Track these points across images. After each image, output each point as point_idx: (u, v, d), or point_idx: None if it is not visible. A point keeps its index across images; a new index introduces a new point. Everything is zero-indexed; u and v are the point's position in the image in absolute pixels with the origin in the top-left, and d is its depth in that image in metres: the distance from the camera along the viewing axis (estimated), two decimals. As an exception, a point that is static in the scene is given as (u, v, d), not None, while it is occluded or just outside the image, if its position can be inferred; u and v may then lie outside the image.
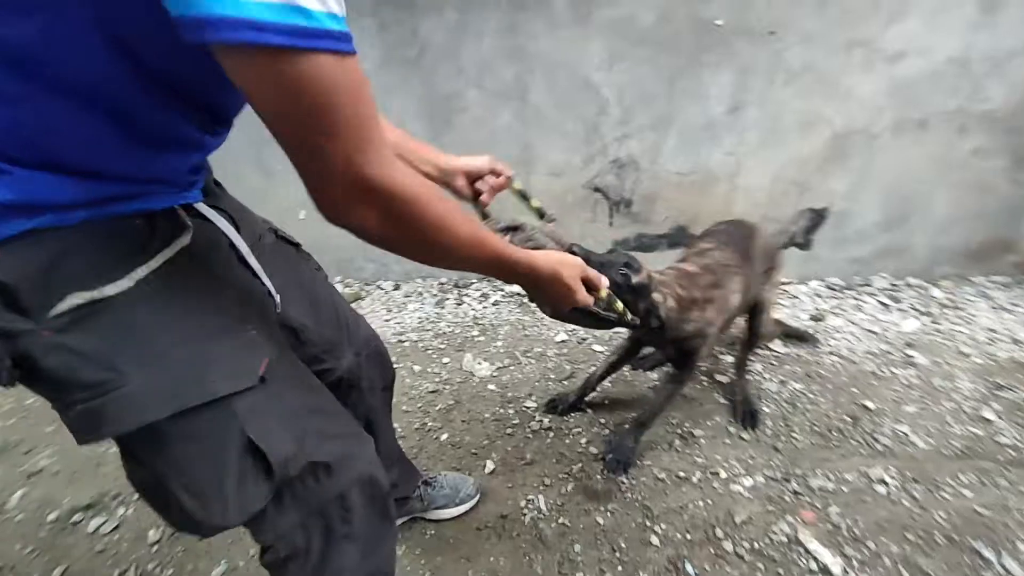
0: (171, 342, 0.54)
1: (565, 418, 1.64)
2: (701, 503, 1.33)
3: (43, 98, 0.46)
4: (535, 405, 1.70)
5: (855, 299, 2.16)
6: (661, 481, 1.41)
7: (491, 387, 1.80)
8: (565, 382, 1.81)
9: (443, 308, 2.31)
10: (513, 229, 0.96)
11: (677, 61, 1.89)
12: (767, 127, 1.97)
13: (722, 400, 1.69)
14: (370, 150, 0.48)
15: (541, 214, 1.15)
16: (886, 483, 1.35)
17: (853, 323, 2.03)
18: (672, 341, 1.32)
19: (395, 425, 1.59)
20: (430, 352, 1.99)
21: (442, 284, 2.50)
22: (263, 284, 0.71)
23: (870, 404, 1.62)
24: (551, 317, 1.05)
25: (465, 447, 1.55)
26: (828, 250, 2.18)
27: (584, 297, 0.83)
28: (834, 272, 2.26)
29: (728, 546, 1.22)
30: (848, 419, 1.59)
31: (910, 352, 1.84)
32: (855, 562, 1.17)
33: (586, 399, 1.65)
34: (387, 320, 2.18)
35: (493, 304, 2.32)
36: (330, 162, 0.47)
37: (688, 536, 1.25)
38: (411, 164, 0.96)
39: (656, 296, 1.18)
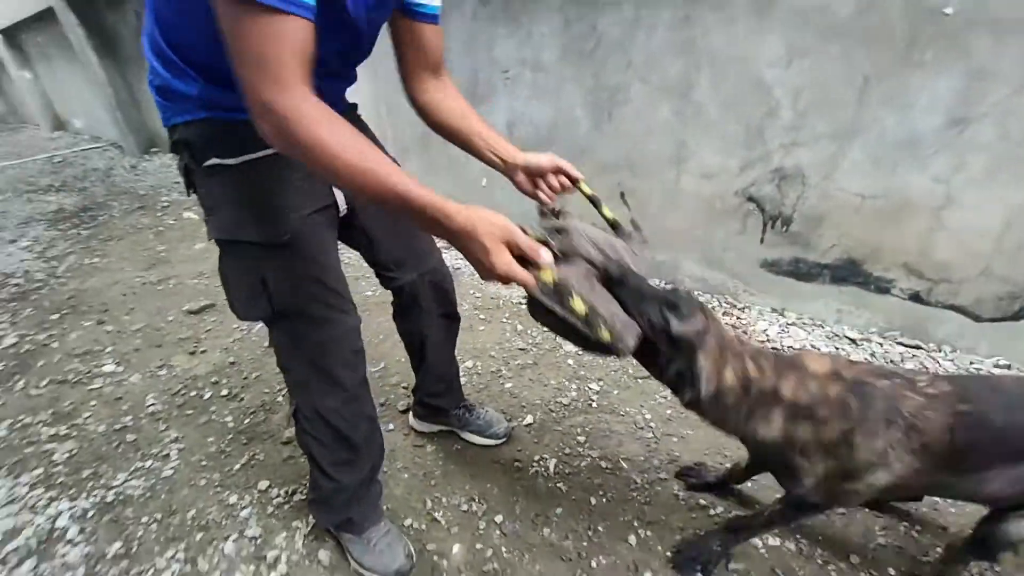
0: (243, 200, 0.89)
1: (617, 411, 1.68)
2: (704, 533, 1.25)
3: (213, 48, 0.72)
4: (598, 388, 1.78)
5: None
6: (676, 497, 1.36)
7: (570, 361, 1.93)
8: (640, 380, 1.81)
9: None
10: (557, 231, 0.91)
11: (879, 59, 1.55)
12: (1005, 151, 1.46)
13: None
14: (269, 83, 0.65)
15: (614, 226, 1.03)
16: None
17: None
18: (749, 445, 1.03)
19: (476, 363, 1.91)
20: (537, 317, 2.22)
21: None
22: (333, 193, 1.03)
23: None
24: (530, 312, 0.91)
25: (520, 399, 1.76)
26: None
27: (507, 265, 0.74)
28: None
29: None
30: None
31: None
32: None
33: (731, 487, 1.35)
34: (519, 282, 2.47)
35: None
36: (243, 84, 0.67)
37: (668, 554, 1.22)
38: (476, 148, 1.10)
39: (703, 360, 0.88)
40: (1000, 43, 1.38)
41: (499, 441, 1.57)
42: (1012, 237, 1.54)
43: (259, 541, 1.33)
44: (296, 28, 0.66)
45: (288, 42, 0.65)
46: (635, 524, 1.30)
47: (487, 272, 0.77)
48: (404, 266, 1.25)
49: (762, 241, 2.02)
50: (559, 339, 2.02)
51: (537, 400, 1.75)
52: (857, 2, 1.53)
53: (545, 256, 0.79)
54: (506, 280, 0.77)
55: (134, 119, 6.12)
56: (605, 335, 0.82)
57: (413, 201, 0.72)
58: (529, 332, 2.13)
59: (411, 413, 1.64)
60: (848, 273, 1.87)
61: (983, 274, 1.62)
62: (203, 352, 2.18)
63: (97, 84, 5.97)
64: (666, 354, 0.90)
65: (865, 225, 1.77)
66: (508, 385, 1.84)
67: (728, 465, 1.36)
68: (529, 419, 1.67)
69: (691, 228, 2.17)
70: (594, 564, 1.22)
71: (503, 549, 1.27)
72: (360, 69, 1.05)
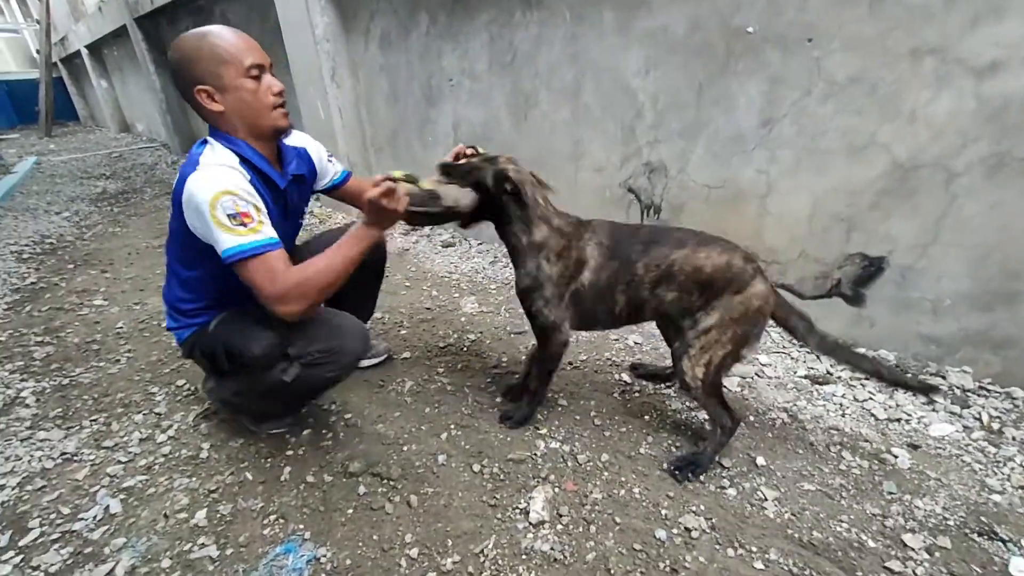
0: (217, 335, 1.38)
1: (483, 354, 1.97)
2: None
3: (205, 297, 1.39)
4: (475, 337, 2.08)
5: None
6: (495, 410, 1.63)
7: (462, 319, 2.25)
8: (514, 335, 2.10)
9: (494, 264, 2.81)
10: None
11: (707, 69, 1.84)
12: (804, 146, 1.71)
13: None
14: (272, 292, 1.17)
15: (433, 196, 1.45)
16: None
17: (858, 400, 1.59)
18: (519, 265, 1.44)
19: (385, 315, 2.25)
20: (452, 288, 2.55)
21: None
22: None
23: (761, 460, 1.39)
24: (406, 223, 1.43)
25: (408, 341, 2.10)
26: (889, 314, 1.71)
27: (388, 196, 1.20)
28: (893, 344, 1.73)
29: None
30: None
31: (898, 451, 1.39)
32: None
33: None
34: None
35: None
36: (260, 299, 1.20)
37: (498, 417, 1.49)
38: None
39: (517, 174, 1.33)
40: (788, 55, 1.65)
41: (377, 360, 1.89)
42: (818, 222, 1.77)
43: (162, 416, 1.70)
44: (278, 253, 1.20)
45: (274, 267, 1.18)
46: (451, 427, 1.59)
47: (391, 215, 1.24)
48: None
49: (641, 228, 2.29)
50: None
51: (420, 343, 2.07)
52: (688, 23, 1.84)
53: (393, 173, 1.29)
54: (390, 195, 1.21)
55: (180, 123, 6.95)
56: (449, 201, 1.38)
57: (359, 245, 1.25)
58: (439, 298, 2.46)
59: None
60: (705, 256, 2.11)
61: (801, 256, 1.84)
62: (174, 296, 2.62)
63: (153, 91, 6.84)
64: (494, 189, 1.33)
65: (713, 212, 2.02)
66: (403, 332, 2.16)
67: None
68: (407, 354, 1.98)
69: (589, 216, 2.46)
70: (405, 448, 1.51)
71: (341, 435, 1.58)
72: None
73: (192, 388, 1.83)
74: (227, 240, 1.15)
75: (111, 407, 1.75)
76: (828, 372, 1.73)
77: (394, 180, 1.35)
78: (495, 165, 1.35)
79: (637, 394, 1.70)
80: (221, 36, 1.20)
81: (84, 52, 9.73)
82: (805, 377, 1.71)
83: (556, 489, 1.34)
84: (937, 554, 1.13)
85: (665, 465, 1.38)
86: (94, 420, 1.68)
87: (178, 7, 5.55)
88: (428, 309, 2.35)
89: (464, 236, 3.21)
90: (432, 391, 1.77)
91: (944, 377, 1.62)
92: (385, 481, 1.39)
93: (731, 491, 1.31)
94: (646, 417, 1.59)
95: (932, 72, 1.43)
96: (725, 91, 1.83)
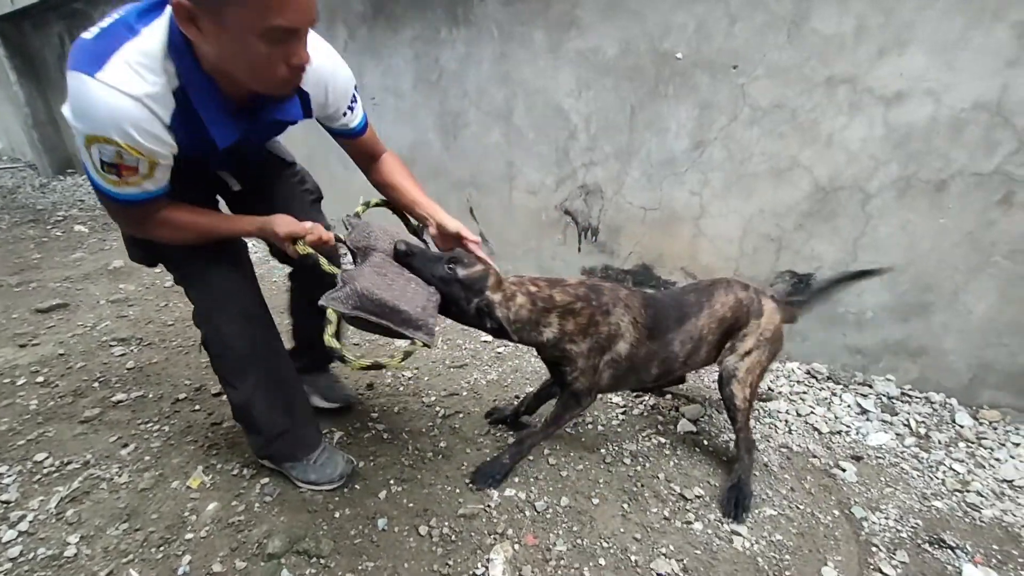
0: None
1: (420, 393, 1.79)
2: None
3: None
4: (411, 375, 1.89)
5: (832, 394, 1.70)
6: (438, 457, 1.46)
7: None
8: (453, 368, 1.94)
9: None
10: (352, 224, 1.22)
11: (638, 92, 1.87)
12: (733, 169, 1.77)
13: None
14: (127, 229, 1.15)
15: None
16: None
17: (801, 415, 1.62)
18: (542, 356, 1.34)
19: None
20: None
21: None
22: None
23: (698, 487, 1.34)
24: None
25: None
26: (819, 329, 1.78)
27: (287, 226, 1.10)
28: (823, 357, 1.81)
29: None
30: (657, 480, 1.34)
31: (845, 464, 1.41)
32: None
33: (520, 419, 1.60)
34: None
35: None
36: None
37: (466, 480, 1.30)
38: (414, 215, 1.31)
39: (492, 295, 1.15)
40: (715, 80, 1.70)
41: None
42: (749, 242, 1.82)
43: (11, 504, 1.33)
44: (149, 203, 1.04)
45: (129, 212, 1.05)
46: (391, 482, 1.39)
47: (280, 237, 1.10)
48: None
49: (579, 250, 2.25)
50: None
51: (348, 384, 1.84)
52: (618, 45, 1.85)
53: (311, 233, 1.12)
54: (289, 237, 1.10)
55: (50, 140, 6.04)
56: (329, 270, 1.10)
57: (236, 229, 1.14)
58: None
59: None
60: (644, 278, 2.11)
61: (735, 275, 1.89)
62: (35, 345, 2.15)
63: (16, 105, 5.91)
64: (463, 298, 1.14)
65: (650, 234, 2.03)
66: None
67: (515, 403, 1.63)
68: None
69: (525, 240, 2.39)
70: (337, 515, 1.29)
71: (256, 505, 1.32)
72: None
73: (58, 463, 1.47)
74: (95, 176, 0.98)
75: (-64, 499, 1.35)
76: (770, 388, 1.76)
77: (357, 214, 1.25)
78: (477, 293, 1.14)
79: (590, 426, 1.62)
80: None
81: (-78, 57, 8.26)
82: (749, 395, 1.73)
83: (516, 545, 1.20)
84: (899, 570, 1.13)
85: (722, 517, 1.27)
86: (-93, 521, 1.28)
87: (47, 10, 4.87)
88: (356, 344, 2.13)
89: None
90: (366, 441, 1.56)
91: (871, 385, 1.71)
92: (314, 560, 1.17)
93: (697, 525, 1.25)
94: (602, 451, 1.51)
95: (845, 100, 1.52)
96: (657, 114, 1.85)
